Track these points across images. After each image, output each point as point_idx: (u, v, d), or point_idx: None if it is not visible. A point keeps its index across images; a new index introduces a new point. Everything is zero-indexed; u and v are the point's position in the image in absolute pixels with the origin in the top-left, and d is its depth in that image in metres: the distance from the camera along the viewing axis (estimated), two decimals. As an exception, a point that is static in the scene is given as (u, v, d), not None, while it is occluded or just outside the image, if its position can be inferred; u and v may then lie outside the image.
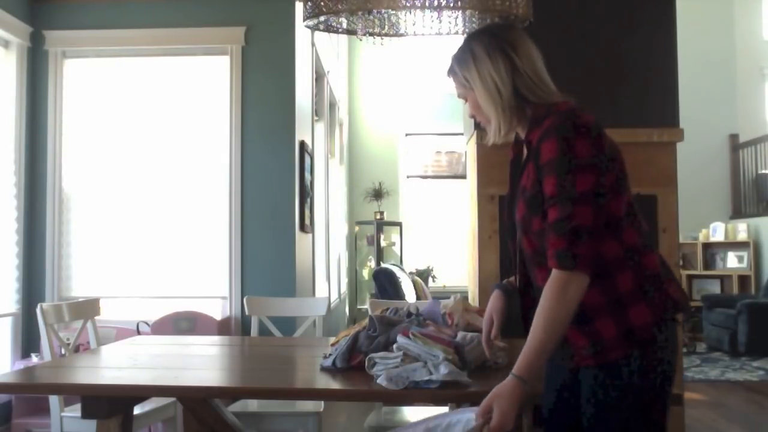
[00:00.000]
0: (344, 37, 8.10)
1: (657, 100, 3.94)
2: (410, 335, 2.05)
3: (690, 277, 8.92)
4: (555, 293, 1.54)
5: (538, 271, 1.68)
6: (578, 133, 1.56)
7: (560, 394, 1.75)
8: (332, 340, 2.34)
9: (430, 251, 9.11)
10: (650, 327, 1.57)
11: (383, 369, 1.95)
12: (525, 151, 1.72)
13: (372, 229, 8.65)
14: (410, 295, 6.23)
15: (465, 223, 4.65)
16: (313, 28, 2.87)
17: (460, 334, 2.13)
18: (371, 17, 2.81)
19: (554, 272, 1.55)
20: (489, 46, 1.70)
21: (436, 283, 8.74)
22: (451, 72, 1.78)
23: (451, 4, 2.60)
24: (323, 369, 2.16)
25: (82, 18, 4.67)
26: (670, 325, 1.60)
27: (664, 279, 1.63)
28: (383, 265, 6.97)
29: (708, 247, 8.98)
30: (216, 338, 3.59)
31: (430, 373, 1.91)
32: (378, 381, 1.92)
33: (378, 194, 8.75)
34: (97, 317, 3.21)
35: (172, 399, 3.04)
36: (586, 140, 1.56)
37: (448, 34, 2.84)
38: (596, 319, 1.59)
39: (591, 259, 1.53)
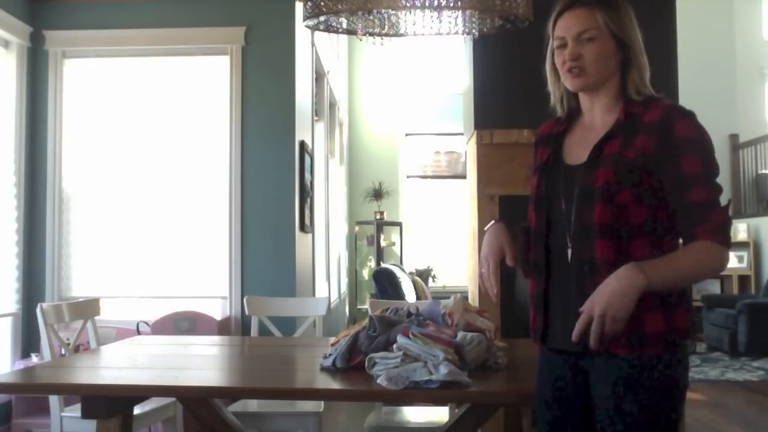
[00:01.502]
0: (344, 37, 8.10)
1: (657, 100, 3.93)
2: (410, 335, 2.05)
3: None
4: (705, 257, 1.54)
5: (600, 242, 1.58)
6: (695, 121, 1.63)
7: (555, 384, 1.69)
8: (332, 340, 2.34)
9: (430, 251, 9.11)
10: (688, 331, 1.58)
11: (383, 369, 1.95)
12: (615, 121, 1.65)
13: (372, 229, 8.65)
14: (410, 295, 6.23)
15: (465, 223, 4.65)
16: (313, 28, 2.87)
17: (460, 334, 2.13)
18: (371, 17, 2.81)
19: (711, 243, 1.53)
20: (633, 16, 1.71)
21: (436, 283, 8.74)
22: (596, 6, 1.66)
23: (451, 4, 2.60)
24: (323, 369, 2.16)
25: (82, 18, 4.67)
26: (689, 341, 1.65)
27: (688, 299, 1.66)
28: (383, 265, 6.97)
29: (708, 247, 8.97)
30: (216, 338, 3.59)
31: (430, 373, 1.91)
32: (378, 381, 1.92)
33: (378, 194, 8.75)
34: (97, 317, 3.21)
35: (172, 399, 3.04)
36: (703, 128, 1.62)
37: (448, 34, 2.84)
38: (646, 311, 1.52)
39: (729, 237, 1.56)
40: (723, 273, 8.71)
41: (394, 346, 2.05)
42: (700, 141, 1.58)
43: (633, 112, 1.63)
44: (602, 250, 1.57)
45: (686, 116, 1.59)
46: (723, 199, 1.59)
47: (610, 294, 1.47)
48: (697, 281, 1.63)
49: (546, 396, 1.72)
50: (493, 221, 1.90)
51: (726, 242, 1.53)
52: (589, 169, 1.62)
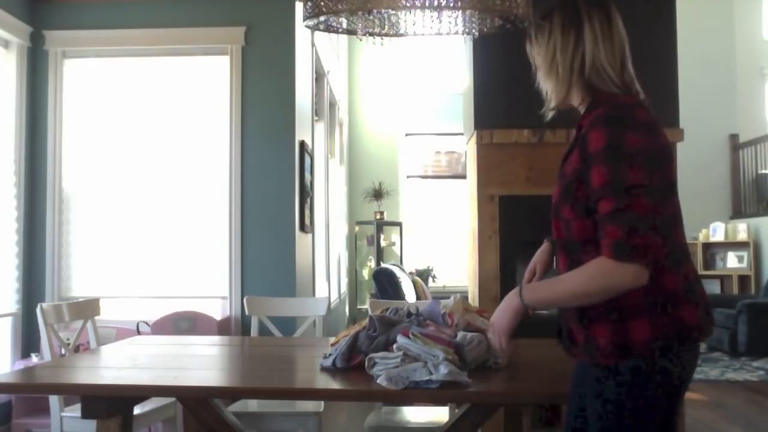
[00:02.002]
0: (344, 37, 8.11)
1: (657, 100, 3.92)
2: (410, 335, 2.05)
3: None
4: (593, 275, 1.52)
5: (560, 257, 1.67)
6: (628, 126, 1.52)
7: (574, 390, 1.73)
8: (332, 340, 2.34)
9: (430, 251, 9.11)
10: (647, 345, 1.52)
11: (383, 369, 1.95)
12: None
13: (372, 229, 8.65)
14: (410, 295, 6.23)
15: (465, 223, 4.65)
16: (313, 28, 2.87)
17: (460, 334, 2.13)
18: (371, 17, 2.81)
19: (603, 260, 1.50)
20: (566, 18, 1.66)
21: (436, 283, 8.74)
22: (528, 43, 1.76)
23: (451, 4, 2.60)
24: (323, 369, 2.16)
25: (82, 18, 4.67)
26: (679, 351, 1.54)
27: (681, 301, 1.56)
28: (383, 265, 6.97)
29: (708, 247, 8.98)
30: (216, 338, 3.59)
31: (430, 373, 1.91)
32: (378, 381, 1.92)
33: (378, 194, 8.75)
34: (97, 317, 3.21)
35: (172, 399, 3.04)
36: (637, 134, 1.51)
37: (448, 34, 2.84)
38: (595, 322, 1.57)
39: (648, 252, 1.47)
40: (723, 273, 8.76)
41: (394, 346, 2.05)
42: (609, 152, 1.50)
43: (581, 125, 1.65)
44: (561, 264, 1.68)
45: (601, 126, 1.53)
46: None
47: (496, 313, 1.75)
48: (590, 299, 1.54)
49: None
50: (546, 239, 2.02)
51: (623, 257, 1.47)
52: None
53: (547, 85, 1.71)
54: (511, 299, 1.69)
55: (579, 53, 1.63)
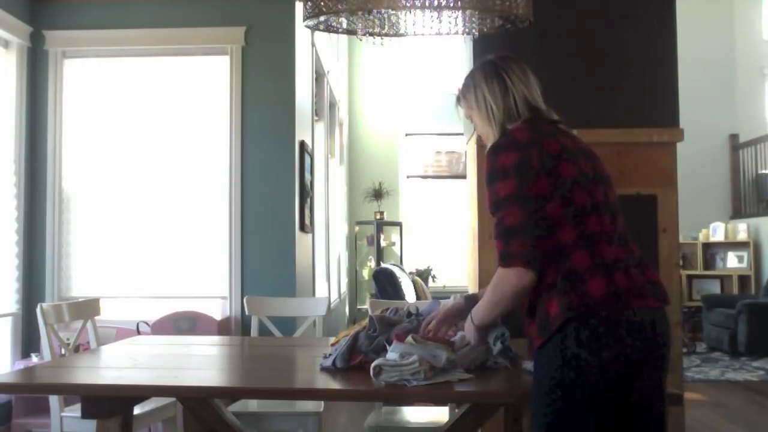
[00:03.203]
0: (344, 37, 8.10)
1: (657, 100, 3.94)
2: (410, 339, 2.04)
3: (690, 277, 8.92)
4: (495, 285, 1.80)
5: None
6: (502, 148, 1.79)
7: None
8: (332, 340, 2.34)
9: (430, 251, 9.11)
10: (559, 319, 1.68)
11: (396, 377, 1.93)
12: None
13: (372, 229, 8.65)
14: (410, 295, 6.23)
15: (465, 223, 4.65)
16: (313, 28, 2.87)
17: (459, 334, 2.13)
18: (371, 17, 2.81)
19: (499, 270, 1.77)
20: (487, 72, 1.97)
21: (436, 283, 8.74)
22: (458, 102, 2.06)
23: (451, 4, 2.60)
24: (323, 369, 2.16)
25: (82, 18, 4.67)
26: (586, 322, 1.67)
27: (589, 275, 1.70)
28: (383, 265, 6.97)
29: (708, 247, 8.98)
30: (216, 338, 3.59)
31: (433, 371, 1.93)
32: (379, 380, 1.92)
33: (378, 194, 8.75)
34: (97, 317, 3.21)
35: (172, 399, 3.04)
36: (509, 153, 1.77)
37: (448, 34, 2.84)
38: (535, 311, 1.75)
39: (524, 254, 1.71)
40: (723, 273, 8.76)
41: (398, 351, 2.00)
42: (489, 174, 1.79)
43: None
44: None
45: (488, 155, 1.83)
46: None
47: (465, 327, 2.01)
48: (507, 306, 1.80)
49: None
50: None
51: (506, 263, 1.74)
52: None
53: (486, 129, 1.96)
54: (469, 323, 1.96)
55: (502, 95, 1.92)
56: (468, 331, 1.99)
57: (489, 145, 1.90)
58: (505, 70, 1.95)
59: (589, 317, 1.67)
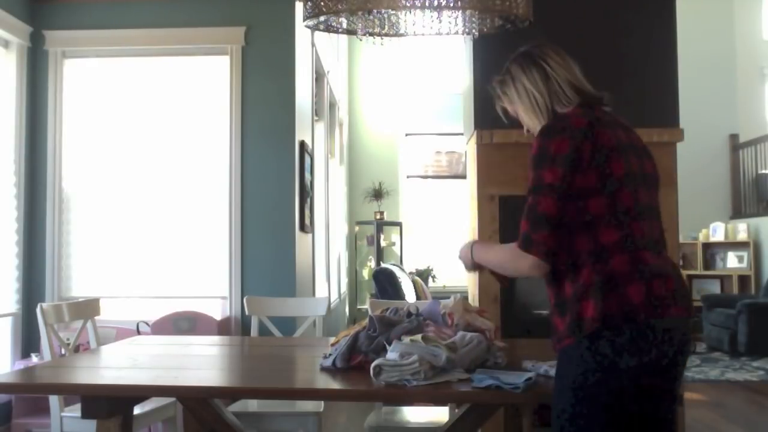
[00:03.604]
0: (344, 37, 8.11)
1: (657, 100, 3.94)
2: (410, 339, 2.04)
3: (690, 277, 8.91)
4: (507, 257, 1.83)
5: None
6: (556, 132, 1.73)
7: None
8: (332, 340, 2.34)
9: (430, 251, 9.11)
10: (595, 322, 1.62)
11: (397, 376, 1.94)
12: None
13: (372, 229, 8.65)
14: (410, 295, 6.23)
15: (465, 223, 4.65)
16: (313, 28, 2.87)
17: (459, 334, 2.13)
18: (371, 17, 2.81)
19: (515, 247, 1.76)
20: (523, 62, 1.90)
21: (436, 283, 8.74)
22: (495, 93, 1.99)
23: (451, 4, 2.60)
24: (323, 369, 2.16)
25: (82, 18, 4.67)
26: (624, 326, 1.62)
27: (628, 280, 1.65)
28: (383, 265, 6.97)
29: (708, 247, 8.98)
30: (216, 338, 3.59)
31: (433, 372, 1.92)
32: (379, 380, 1.92)
33: (378, 194, 8.75)
34: (97, 317, 3.21)
35: (172, 399, 3.04)
36: (563, 139, 1.70)
37: (448, 34, 2.84)
38: (566, 309, 1.70)
39: (546, 247, 1.70)
40: (723, 273, 8.76)
41: (399, 353, 2.00)
42: (536, 156, 1.74)
43: None
44: None
45: (537, 136, 1.78)
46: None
47: (462, 250, 2.06)
48: (506, 272, 1.90)
49: None
50: None
51: (525, 247, 1.73)
52: None
53: (531, 122, 1.91)
54: (467, 251, 2.02)
55: (545, 82, 1.86)
56: (465, 257, 2.03)
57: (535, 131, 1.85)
58: (542, 57, 1.87)
59: (625, 323, 1.62)
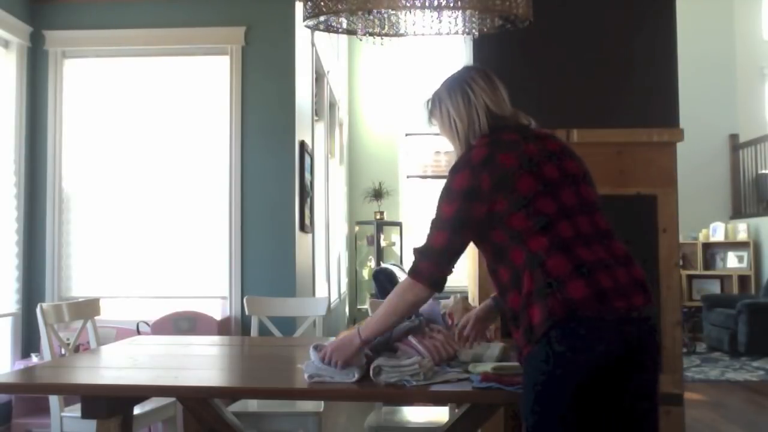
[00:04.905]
0: (344, 37, 8.10)
1: (657, 100, 3.94)
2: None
3: (690, 277, 8.92)
4: (394, 293, 1.92)
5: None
6: (459, 169, 1.83)
7: None
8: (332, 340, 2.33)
9: (430, 251, 9.09)
10: (543, 326, 1.66)
11: (396, 376, 1.94)
12: None
13: (372, 229, 8.65)
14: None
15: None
16: (313, 28, 2.87)
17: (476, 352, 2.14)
18: (371, 17, 2.81)
19: (405, 279, 1.90)
20: (451, 86, 1.95)
21: (436, 283, 8.72)
22: (429, 119, 2.07)
23: (451, 4, 2.60)
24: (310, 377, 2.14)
25: (82, 18, 4.67)
26: (568, 325, 1.65)
27: (567, 279, 1.68)
28: (383, 265, 6.98)
29: (708, 247, 8.98)
30: (216, 338, 3.59)
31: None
32: (378, 379, 1.92)
33: (378, 194, 8.75)
34: (97, 317, 3.21)
35: (172, 399, 3.03)
36: (463, 174, 1.81)
37: (448, 34, 2.84)
38: (519, 319, 1.74)
39: (432, 276, 1.85)
40: (723, 273, 8.75)
41: (377, 365, 1.98)
42: (442, 191, 1.85)
43: None
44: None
45: (449, 172, 1.87)
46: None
47: (336, 343, 1.99)
48: (397, 318, 1.94)
49: None
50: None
51: (412, 276, 1.87)
52: None
53: (453, 144, 1.97)
54: (352, 337, 1.96)
55: (466, 108, 1.90)
56: (346, 347, 1.96)
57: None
58: (467, 82, 1.93)
59: (571, 320, 1.65)
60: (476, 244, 1.90)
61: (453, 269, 1.88)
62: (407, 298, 1.88)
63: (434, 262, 1.84)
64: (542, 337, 1.66)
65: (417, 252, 1.87)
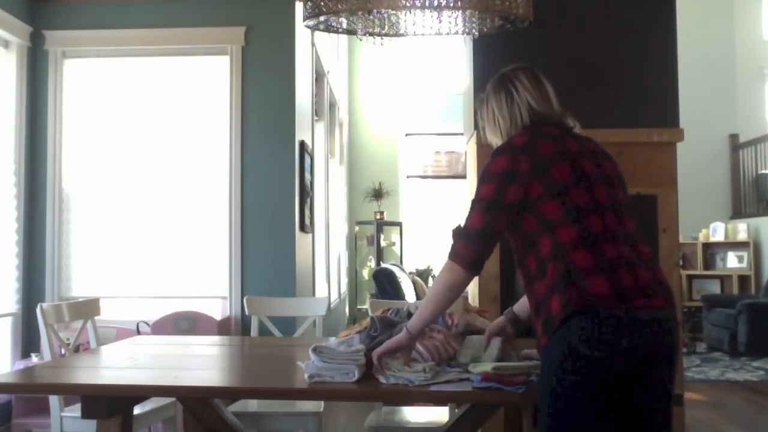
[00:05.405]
0: (344, 37, 8.11)
1: (657, 101, 3.94)
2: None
3: (690, 277, 8.92)
4: (438, 274, 1.93)
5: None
6: (498, 152, 1.89)
7: None
8: (333, 339, 2.34)
9: (430, 251, 9.11)
10: (561, 317, 1.69)
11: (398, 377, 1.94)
12: None
13: (372, 229, 8.65)
14: (410, 295, 6.24)
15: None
16: (313, 28, 2.87)
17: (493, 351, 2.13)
18: (371, 17, 2.81)
19: (446, 262, 1.90)
20: (497, 85, 2.03)
21: (436, 283, 8.72)
22: (477, 110, 2.13)
23: (451, 4, 2.60)
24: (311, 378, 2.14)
25: (82, 18, 4.67)
26: (587, 318, 1.66)
27: (588, 273, 1.71)
28: (383, 265, 6.98)
29: (708, 247, 8.98)
30: (216, 338, 3.59)
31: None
32: (383, 380, 1.92)
33: (378, 194, 8.75)
34: (97, 317, 3.21)
35: (172, 399, 3.04)
36: (501, 157, 1.86)
37: (448, 34, 2.84)
38: (541, 309, 1.78)
39: (466, 256, 1.84)
40: (723, 273, 8.76)
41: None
42: (480, 173, 1.91)
43: None
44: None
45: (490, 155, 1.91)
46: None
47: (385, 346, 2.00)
48: (441, 301, 1.93)
49: None
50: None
51: (449, 257, 1.88)
52: None
53: (494, 140, 2.04)
54: (401, 337, 1.98)
55: (509, 105, 1.98)
56: (398, 343, 1.98)
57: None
58: (512, 80, 2.00)
59: (589, 314, 1.66)
60: (507, 232, 1.91)
61: (489, 253, 1.86)
62: (444, 281, 1.89)
63: (469, 243, 1.84)
64: (559, 327, 1.68)
65: (454, 233, 1.89)
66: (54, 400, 2.90)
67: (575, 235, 1.75)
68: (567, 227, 1.76)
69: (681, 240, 7.51)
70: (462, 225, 1.88)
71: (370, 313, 2.97)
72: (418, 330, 1.97)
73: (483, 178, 1.87)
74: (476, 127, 2.15)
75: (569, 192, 1.79)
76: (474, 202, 1.86)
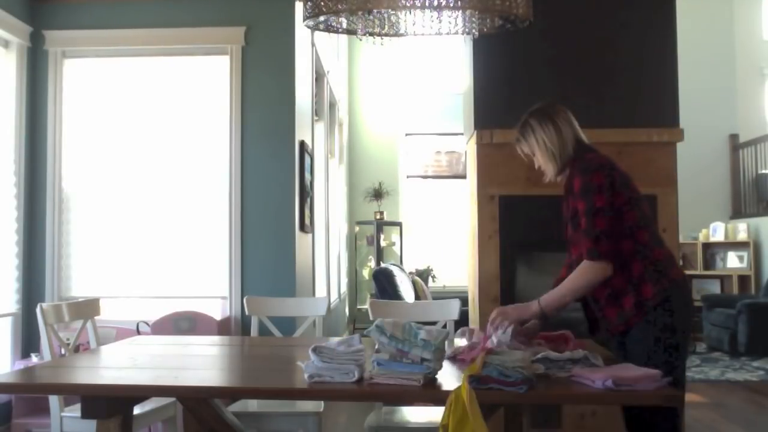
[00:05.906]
0: (344, 37, 8.11)
1: (657, 101, 3.94)
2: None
3: (690, 277, 8.89)
4: (579, 274, 2.33)
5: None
6: (592, 170, 2.34)
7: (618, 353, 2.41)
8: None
9: (430, 251, 9.11)
10: (655, 298, 2.27)
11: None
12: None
13: (372, 229, 8.65)
14: (410, 296, 6.24)
15: (465, 223, 4.65)
16: (313, 28, 2.87)
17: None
18: (371, 17, 2.81)
19: (585, 262, 2.31)
20: (540, 118, 2.48)
21: (436, 283, 8.74)
22: (518, 142, 2.55)
23: (451, 4, 2.60)
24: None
25: (82, 18, 4.67)
26: (674, 295, 2.29)
27: (667, 265, 2.33)
28: (383, 265, 6.97)
29: (708, 247, 8.98)
30: (216, 338, 3.59)
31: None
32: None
33: (378, 194, 8.75)
34: (97, 317, 3.21)
35: (172, 399, 3.04)
36: (599, 173, 2.33)
37: (448, 34, 2.84)
38: (621, 297, 2.31)
39: (609, 253, 2.28)
40: (723, 273, 8.76)
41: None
42: (580, 189, 2.34)
43: (569, 179, 2.47)
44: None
45: (578, 174, 2.36)
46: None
47: (511, 307, 2.43)
48: (582, 293, 2.36)
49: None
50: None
51: (592, 256, 2.29)
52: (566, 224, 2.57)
53: (548, 167, 2.48)
54: (530, 304, 2.37)
55: (556, 136, 2.45)
56: (523, 309, 2.36)
57: (550, 173, 2.48)
58: (552, 116, 2.47)
59: (674, 294, 2.27)
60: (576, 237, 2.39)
61: (618, 248, 2.29)
62: (589, 277, 2.30)
63: (607, 242, 2.26)
64: (659, 305, 2.25)
65: (590, 242, 2.27)
66: (54, 400, 2.90)
67: (648, 237, 2.33)
68: (642, 231, 2.32)
69: (681, 240, 7.51)
70: (591, 233, 2.27)
71: (369, 314, 2.97)
72: (550, 309, 2.34)
73: (592, 190, 2.29)
74: (518, 145, 2.59)
75: (639, 203, 2.35)
76: (595, 211, 2.28)
